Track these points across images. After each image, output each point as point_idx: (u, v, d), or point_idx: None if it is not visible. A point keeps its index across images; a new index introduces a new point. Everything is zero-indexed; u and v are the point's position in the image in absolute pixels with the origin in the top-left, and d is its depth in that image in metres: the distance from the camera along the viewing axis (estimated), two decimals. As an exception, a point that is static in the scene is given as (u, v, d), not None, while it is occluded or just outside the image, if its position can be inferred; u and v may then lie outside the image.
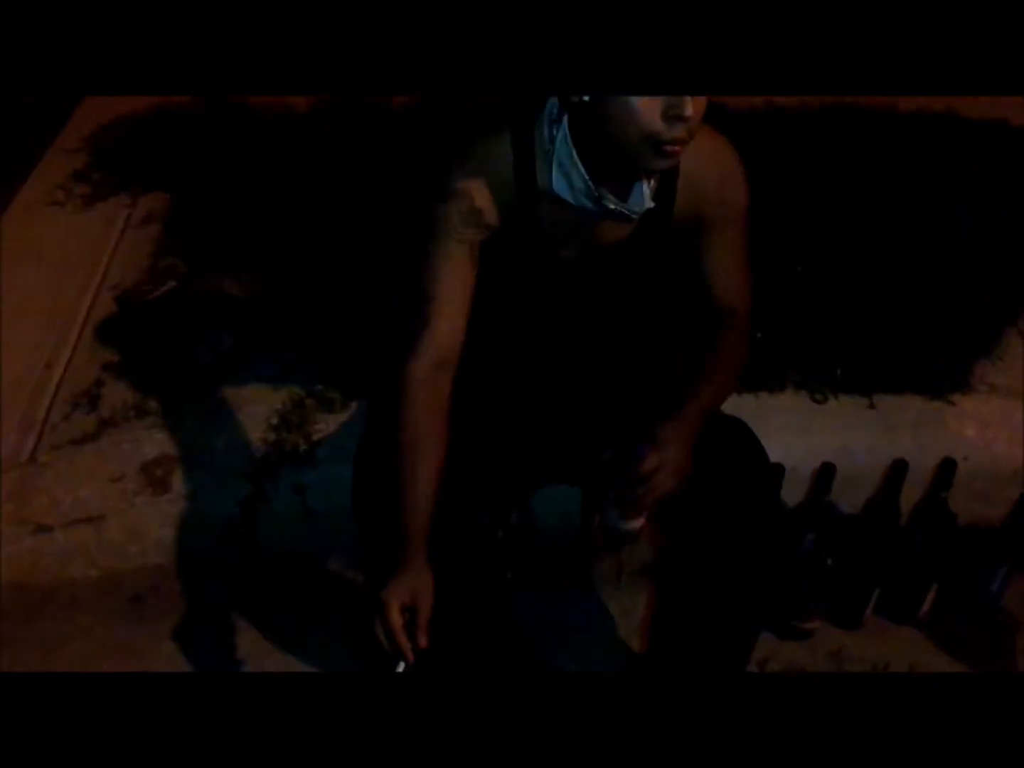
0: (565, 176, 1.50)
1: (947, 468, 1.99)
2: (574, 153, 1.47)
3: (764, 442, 1.69)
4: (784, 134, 2.84)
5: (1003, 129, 2.84)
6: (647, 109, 1.35)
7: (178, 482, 2.09)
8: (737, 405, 1.93)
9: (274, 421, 2.16)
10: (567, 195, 1.51)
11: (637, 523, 1.64)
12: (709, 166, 1.55)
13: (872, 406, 2.21)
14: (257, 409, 2.19)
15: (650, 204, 1.51)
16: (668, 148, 1.38)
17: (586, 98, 1.39)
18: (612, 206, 1.50)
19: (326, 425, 2.15)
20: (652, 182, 1.52)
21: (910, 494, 2.03)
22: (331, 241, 2.55)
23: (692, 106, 1.35)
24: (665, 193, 1.54)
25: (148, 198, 2.90)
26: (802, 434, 2.15)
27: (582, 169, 1.47)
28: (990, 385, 2.25)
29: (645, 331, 1.76)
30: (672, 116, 1.35)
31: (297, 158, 2.84)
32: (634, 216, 1.52)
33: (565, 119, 1.47)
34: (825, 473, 1.99)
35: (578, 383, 1.75)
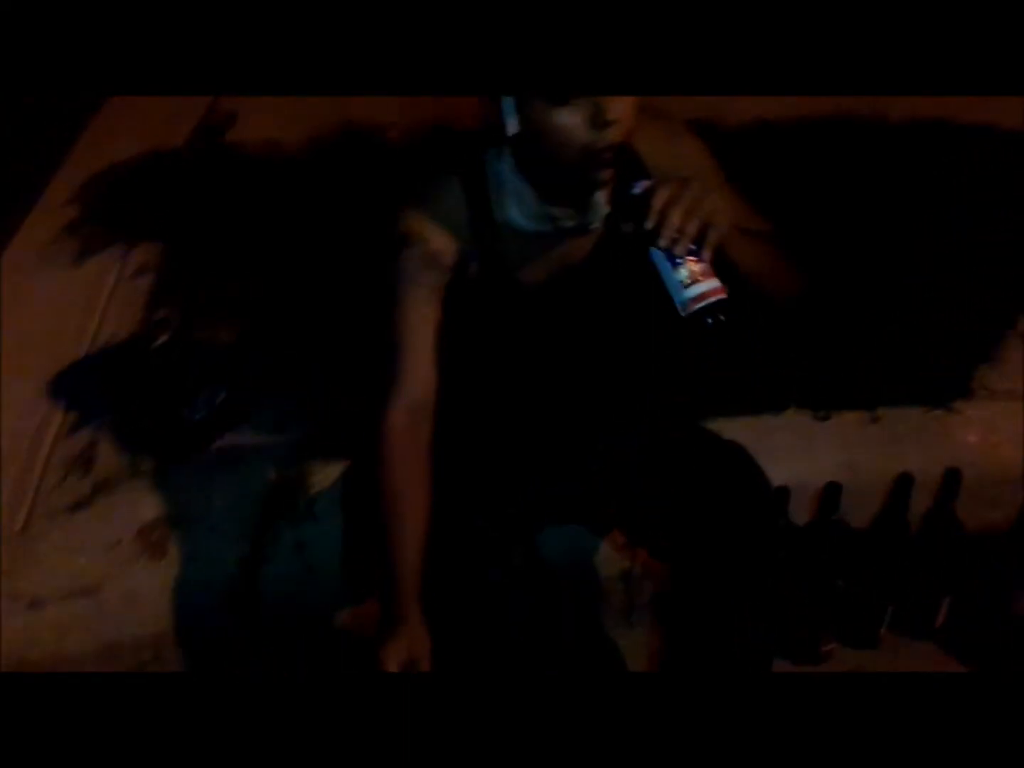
0: (519, 205, 1.52)
1: (952, 478, 1.97)
2: (522, 181, 1.49)
3: (768, 464, 1.67)
4: (777, 150, 2.82)
5: (994, 133, 2.80)
6: (573, 123, 1.36)
7: (175, 545, 2.04)
8: (739, 428, 1.91)
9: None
10: (524, 224, 1.53)
11: (707, 283, 1.37)
12: (663, 149, 1.55)
13: (875, 420, 2.18)
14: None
15: (605, 211, 1.52)
16: (604, 154, 1.39)
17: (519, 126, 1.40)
18: (571, 223, 1.51)
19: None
20: (607, 189, 1.50)
21: (918, 506, 2.01)
22: (324, 285, 2.54)
23: (615, 109, 1.35)
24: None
25: (140, 249, 2.86)
26: (806, 453, 2.12)
27: (533, 195, 1.50)
28: (991, 390, 2.22)
29: (629, 333, 1.74)
30: (599, 123, 1.36)
31: (288, 203, 2.82)
32: (594, 227, 1.54)
33: (509, 151, 1.48)
34: (831, 493, 1.96)
35: (567, 391, 1.75)
